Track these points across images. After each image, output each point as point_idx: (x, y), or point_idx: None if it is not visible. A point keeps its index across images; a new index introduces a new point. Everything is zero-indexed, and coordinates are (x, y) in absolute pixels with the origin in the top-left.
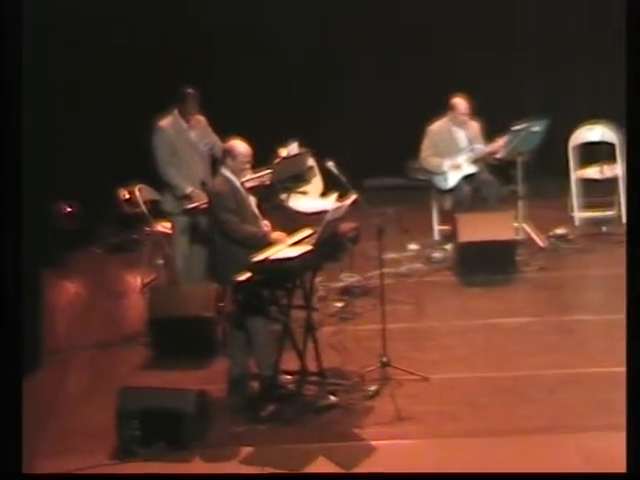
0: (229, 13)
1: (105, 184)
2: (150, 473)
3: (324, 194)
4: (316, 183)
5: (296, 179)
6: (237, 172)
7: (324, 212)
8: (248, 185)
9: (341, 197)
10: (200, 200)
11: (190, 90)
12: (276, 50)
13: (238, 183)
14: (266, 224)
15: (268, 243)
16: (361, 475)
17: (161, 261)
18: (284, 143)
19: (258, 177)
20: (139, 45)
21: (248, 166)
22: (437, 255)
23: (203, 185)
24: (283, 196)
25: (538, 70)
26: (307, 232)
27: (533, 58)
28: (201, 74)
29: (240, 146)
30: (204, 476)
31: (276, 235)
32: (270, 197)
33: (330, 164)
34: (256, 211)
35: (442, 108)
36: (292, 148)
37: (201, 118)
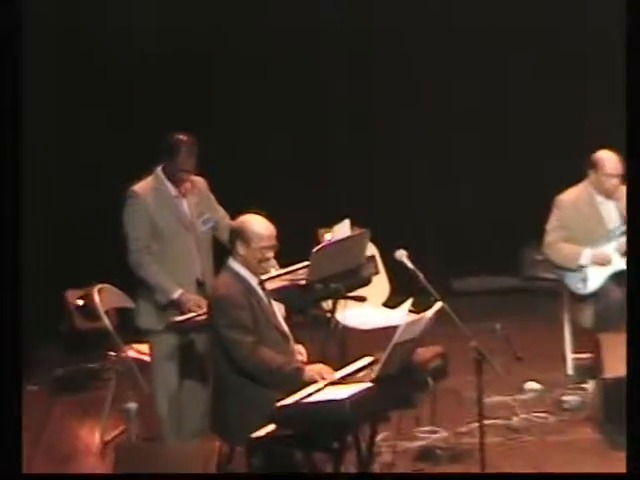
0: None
1: (47, 283)
2: (150, 473)
3: (391, 302)
4: (379, 284)
5: (348, 277)
6: (254, 265)
7: (391, 329)
8: (271, 286)
9: (417, 306)
10: (194, 309)
11: (184, 137)
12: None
13: (255, 282)
14: (300, 351)
15: (302, 379)
16: (360, 475)
17: (133, 405)
18: (329, 223)
19: (288, 273)
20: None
21: (271, 255)
22: (571, 399)
23: (200, 285)
24: (327, 304)
25: None
26: (364, 361)
27: None
28: (203, 116)
29: (259, 224)
30: (204, 476)
31: (315, 367)
32: (306, 305)
33: (401, 254)
34: (284, 327)
35: (576, 171)
36: (341, 229)
37: (199, 180)
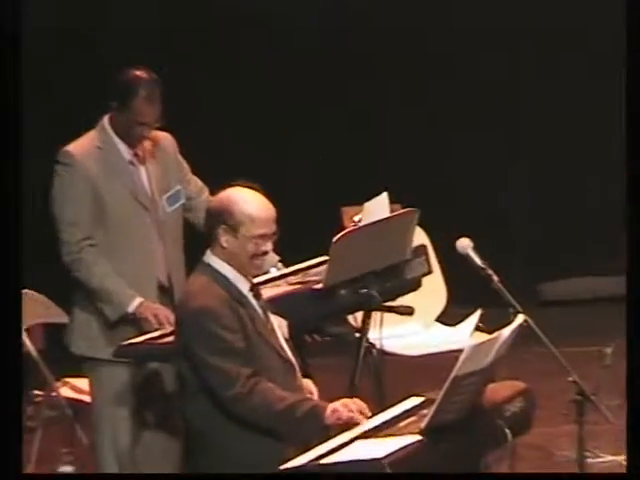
0: None
1: None
2: (150, 473)
3: (449, 315)
4: (432, 289)
5: (386, 279)
6: (244, 263)
7: (449, 355)
8: (270, 293)
9: (488, 321)
10: (158, 326)
11: (142, 73)
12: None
13: (246, 287)
14: (309, 388)
15: (318, 426)
16: (359, 475)
17: (67, 469)
18: (357, 199)
19: (295, 274)
20: None
21: (269, 248)
22: None
23: (163, 291)
24: (355, 318)
25: None
26: (410, 402)
27: None
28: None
29: (252, 203)
30: (205, 476)
31: (343, 403)
32: (323, 320)
33: (465, 244)
34: (288, 352)
35: None
36: (377, 207)
37: (165, 138)
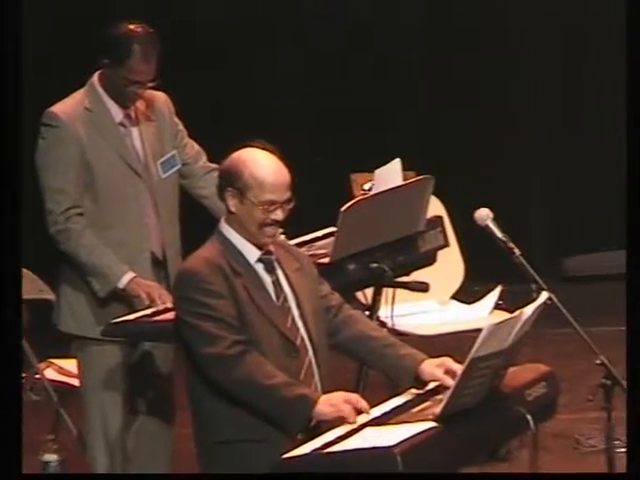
0: None
1: None
2: (151, 473)
3: (466, 292)
4: (449, 263)
5: (399, 252)
6: (252, 231)
7: (467, 335)
8: None
9: (510, 299)
10: (152, 300)
11: (136, 27)
12: None
13: (253, 257)
14: (314, 384)
15: (306, 415)
16: (363, 475)
17: (52, 457)
18: (367, 166)
19: (300, 246)
20: None
21: (280, 217)
22: None
23: (157, 264)
24: (364, 294)
25: None
26: (424, 387)
27: None
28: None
29: (263, 166)
30: (205, 476)
31: (335, 397)
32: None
33: (485, 215)
34: (299, 333)
35: None
36: (389, 173)
37: (159, 98)
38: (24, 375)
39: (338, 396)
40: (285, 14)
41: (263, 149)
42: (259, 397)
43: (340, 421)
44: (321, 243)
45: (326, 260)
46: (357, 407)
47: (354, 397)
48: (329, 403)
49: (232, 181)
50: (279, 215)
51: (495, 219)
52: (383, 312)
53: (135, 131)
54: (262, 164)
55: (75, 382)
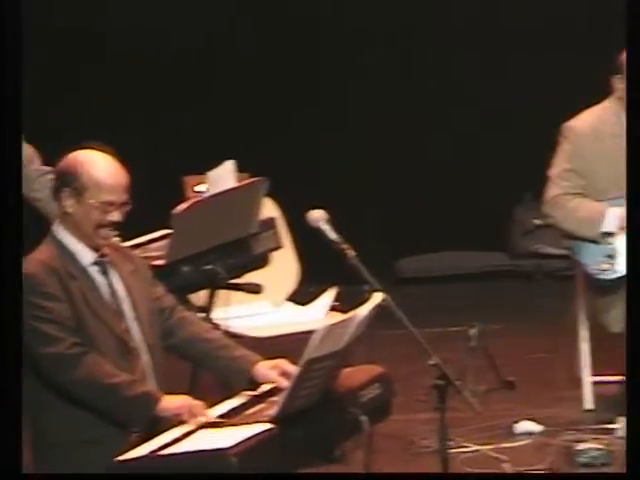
0: None
1: None
2: (152, 473)
3: (300, 294)
4: (282, 265)
5: (232, 254)
6: (88, 233)
7: (301, 337)
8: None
9: (344, 300)
10: None
11: None
12: None
13: (88, 259)
14: (150, 382)
15: (152, 414)
16: (362, 475)
17: None
18: (201, 168)
19: (134, 249)
20: None
21: (117, 218)
22: (590, 449)
23: None
24: (198, 296)
25: None
26: (259, 389)
27: None
28: None
29: (100, 166)
30: (206, 476)
31: (177, 400)
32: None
33: (317, 216)
34: (132, 336)
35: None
36: (221, 176)
37: None
38: None
39: (181, 397)
40: None
41: (100, 150)
42: (101, 396)
43: (181, 421)
44: (156, 245)
45: (161, 262)
46: (195, 410)
47: (193, 400)
48: (172, 401)
49: (69, 182)
50: (116, 216)
51: (329, 220)
52: (217, 314)
53: None
54: (100, 165)
55: None
